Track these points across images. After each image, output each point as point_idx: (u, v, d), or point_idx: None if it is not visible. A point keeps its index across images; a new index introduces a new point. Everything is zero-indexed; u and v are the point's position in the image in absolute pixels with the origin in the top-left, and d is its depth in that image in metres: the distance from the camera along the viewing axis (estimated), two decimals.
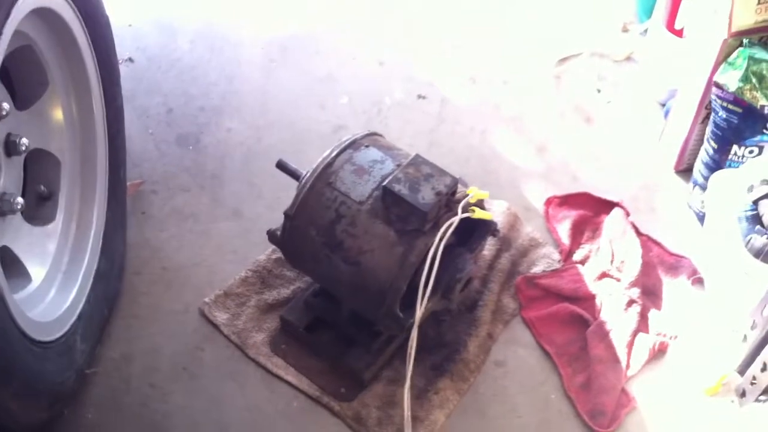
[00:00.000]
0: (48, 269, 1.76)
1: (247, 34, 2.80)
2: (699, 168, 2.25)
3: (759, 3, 2.07)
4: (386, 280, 1.65)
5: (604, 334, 1.95)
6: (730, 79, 2.07)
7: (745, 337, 1.83)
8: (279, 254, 2.01)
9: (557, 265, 2.14)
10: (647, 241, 2.19)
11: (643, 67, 2.71)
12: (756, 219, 1.88)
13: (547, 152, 2.48)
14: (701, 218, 2.22)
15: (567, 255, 2.16)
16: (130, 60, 2.65)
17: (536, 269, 2.12)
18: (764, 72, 2.04)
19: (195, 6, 2.90)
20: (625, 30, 2.89)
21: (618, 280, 2.08)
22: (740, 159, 2.13)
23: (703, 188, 2.18)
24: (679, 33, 2.45)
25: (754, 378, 1.79)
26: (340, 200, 1.69)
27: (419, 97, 2.63)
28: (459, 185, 1.72)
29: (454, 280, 1.72)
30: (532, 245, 2.18)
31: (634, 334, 1.97)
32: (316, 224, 1.71)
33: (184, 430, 1.79)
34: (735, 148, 2.13)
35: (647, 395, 1.89)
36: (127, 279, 2.03)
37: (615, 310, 2.01)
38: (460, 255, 1.75)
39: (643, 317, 2.02)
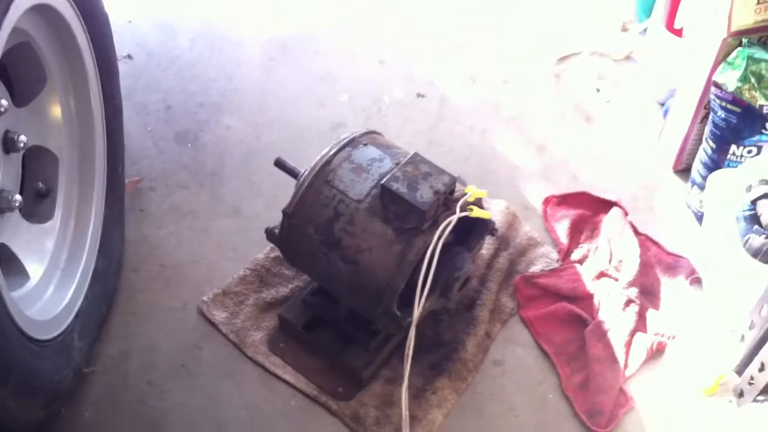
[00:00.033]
0: (46, 267, 1.76)
1: (247, 33, 2.80)
2: (697, 167, 2.25)
3: (758, 3, 2.06)
4: (384, 278, 1.65)
5: (602, 334, 1.95)
6: (729, 78, 2.07)
7: (743, 337, 1.83)
8: (277, 253, 2.01)
9: (555, 265, 2.14)
10: (645, 241, 2.19)
11: (643, 66, 2.70)
12: (754, 219, 1.87)
13: (547, 151, 2.47)
14: (699, 218, 2.22)
15: (565, 254, 2.16)
16: (129, 57, 2.65)
17: (534, 268, 2.12)
18: (763, 72, 2.03)
19: (195, 4, 2.90)
20: (624, 29, 2.88)
21: (616, 279, 2.08)
22: (739, 159, 2.13)
23: (702, 188, 2.18)
24: (678, 32, 2.44)
25: (751, 378, 1.79)
26: (339, 198, 1.69)
27: (419, 95, 2.63)
28: (457, 184, 1.72)
29: (453, 278, 1.72)
30: (531, 244, 2.18)
31: (632, 333, 1.97)
32: (314, 222, 1.71)
33: (181, 428, 1.79)
34: (733, 147, 2.13)
35: (645, 395, 1.89)
36: (125, 276, 2.03)
37: (613, 310, 2.01)
38: (458, 254, 1.75)
39: (641, 317, 2.02)
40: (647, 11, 2.68)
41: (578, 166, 2.42)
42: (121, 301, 1.99)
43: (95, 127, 1.89)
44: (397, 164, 1.71)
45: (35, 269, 1.73)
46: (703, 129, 2.24)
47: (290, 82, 2.64)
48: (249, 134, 2.45)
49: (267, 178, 2.27)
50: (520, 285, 2.08)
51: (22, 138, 1.61)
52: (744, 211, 1.89)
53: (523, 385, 1.91)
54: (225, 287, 2.01)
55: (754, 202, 1.89)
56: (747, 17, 2.07)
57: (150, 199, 2.24)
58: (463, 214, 1.69)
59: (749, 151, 2.11)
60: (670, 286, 2.11)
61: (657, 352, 1.97)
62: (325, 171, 1.72)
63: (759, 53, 2.04)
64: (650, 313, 2.03)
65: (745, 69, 2.04)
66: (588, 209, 2.26)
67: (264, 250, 2.09)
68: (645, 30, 2.71)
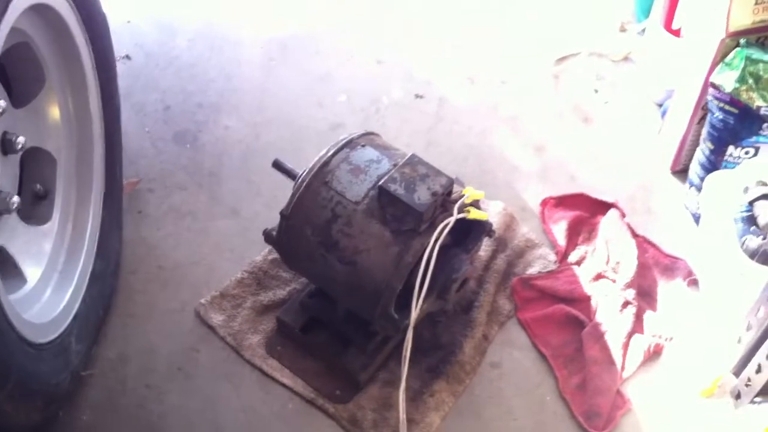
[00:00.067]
0: (44, 269, 1.75)
1: (247, 33, 2.79)
2: (695, 169, 2.25)
3: (756, 3, 2.06)
4: (382, 279, 1.65)
5: (599, 336, 1.96)
6: (727, 79, 2.07)
7: (740, 338, 1.84)
8: (275, 255, 2.01)
9: (553, 266, 2.14)
10: (643, 242, 2.19)
11: (641, 67, 2.71)
12: (751, 220, 1.88)
13: (545, 152, 2.48)
14: (697, 219, 2.22)
15: (563, 256, 2.16)
16: (128, 57, 2.64)
17: (532, 270, 2.12)
18: (761, 72, 2.03)
19: (195, 4, 2.89)
20: (622, 30, 2.88)
21: (613, 281, 2.08)
22: (736, 160, 2.13)
23: (699, 189, 2.18)
24: (676, 33, 2.45)
25: (749, 380, 1.80)
26: (336, 200, 1.69)
27: (417, 96, 2.62)
28: (455, 185, 1.72)
29: (450, 280, 1.72)
30: (528, 246, 2.18)
31: (630, 335, 1.97)
32: (312, 224, 1.71)
33: (179, 431, 1.79)
34: (731, 148, 2.13)
35: (642, 397, 1.89)
36: (123, 278, 2.03)
37: (610, 312, 2.01)
38: (455, 255, 1.75)
39: (639, 318, 2.02)
40: (646, 12, 2.68)
41: (576, 167, 2.42)
42: (119, 303, 1.99)
43: (93, 128, 1.88)
44: (394, 166, 1.71)
45: (33, 271, 1.73)
46: (701, 130, 2.24)
47: (289, 82, 2.64)
48: (248, 134, 2.45)
49: (266, 179, 2.26)
50: (517, 287, 2.08)
51: (21, 139, 1.61)
52: (741, 212, 1.89)
53: (521, 388, 1.91)
54: (222, 290, 2.01)
55: (751, 204, 1.89)
56: (745, 18, 2.07)
57: (148, 200, 2.23)
58: (461, 215, 1.69)
59: (747, 152, 2.11)
60: (667, 288, 2.11)
61: (654, 353, 1.97)
62: (323, 172, 1.72)
63: (757, 54, 2.04)
64: (648, 315, 2.04)
65: (743, 70, 2.04)
66: (585, 211, 2.26)
67: (262, 252, 2.09)
68: (643, 30, 2.71)
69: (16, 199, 1.61)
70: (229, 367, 1.89)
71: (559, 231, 2.20)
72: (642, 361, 1.94)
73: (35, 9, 1.59)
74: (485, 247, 2.10)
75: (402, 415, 1.67)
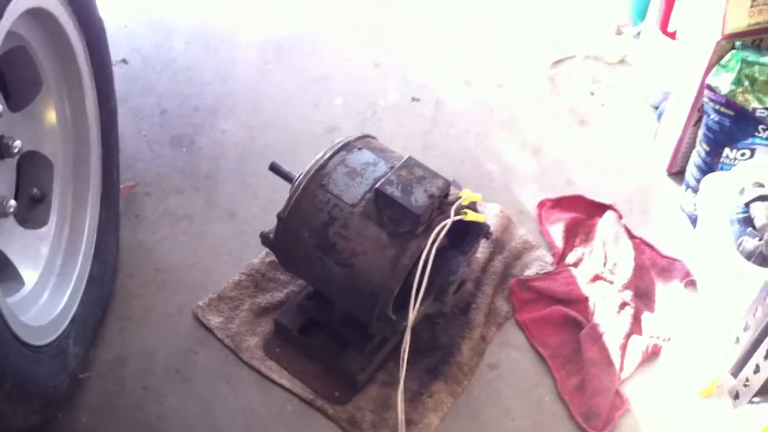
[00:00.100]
0: (41, 272, 1.75)
1: (243, 35, 2.80)
2: (691, 170, 2.25)
3: (752, 6, 2.07)
4: (379, 282, 1.65)
5: (597, 337, 1.96)
6: (723, 81, 2.08)
7: (738, 339, 1.84)
8: (273, 257, 2.01)
9: (550, 268, 2.14)
10: (640, 244, 2.20)
11: (637, 69, 2.71)
12: (748, 221, 1.88)
13: (541, 155, 2.48)
14: (694, 221, 2.22)
15: (560, 258, 2.16)
16: (124, 61, 2.65)
17: (529, 272, 2.13)
18: (756, 75, 2.04)
19: (190, 7, 2.90)
20: (618, 32, 2.89)
21: (611, 282, 2.08)
22: (732, 162, 2.13)
23: (696, 191, 2.18)
24: (672, 35, 2.45)
25: (747, 380, 1.80)
26: (333, 202, 1.69)
27: (413, 99, 2.63)
28: (452, 187, 1.72)
29: (447, 282, 1.73)
30: (526, 248, 2.18)
31: (628, 336, 1.97)
32: (309, 226, 1.71)
33: None
34: (727, 150, 2.13)
35: (641, 397, 1.90)
36: (120, 281, 2.03)
37: (608, 313, 2.01)
38: (452, 257, 1.75)
39: (636, 320, 2.02)
40: (641, 14, 2.69)
41: (573, 170, 2.43)
42: (117, 306, 1.99)
43: (90, 131, 1.88)
44: (391, 168, 1.72)
45: (30, 275, 1.73)
46: (697, 132, 2.25)
47: (285, 84, 2.64)
48: (244, 137, 2.45)
49: (262, 182, 2.27)
50: (515, 288, 2.08)
51: (17, 143, 1.61)
52: (738, 213, 1.90)
53: (519, 389, 1.91)
54: (220, 292, 2.01)
55: (747, 205, 1.90)
56: (740, 20, 2.08)
57: (145, 203, 2.23)
58: (458, 217, 1.69)
59: (743, 154, 2.12)
60: (664, 289, 2.12)
61: (652, 354, 1.97)
62: (319, 175, 1.72)
63: (752, 56, 2.05)
64: (645, 316, 2.04)
65: (739, 72, 2.04)
66: (582, 212, 2.26)
67: (259, 255, 2.09)
68: (639, 33, 2.72)
69: (13, 202, 1.62)
70: (227, 369, 1.89)
71: (557, 233, 2.20)
72: (640, 362, 1.94)
73: (32, 13, 1.59)
74: (482, 249, 2.10)
75: (401, 416, 1.67)
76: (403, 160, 1.73)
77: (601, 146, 2.51)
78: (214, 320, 1.95)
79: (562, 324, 2.01)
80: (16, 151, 1.61)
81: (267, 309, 1.98)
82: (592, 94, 2.69)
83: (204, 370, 1.89)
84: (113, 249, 2.02)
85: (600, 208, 2.27)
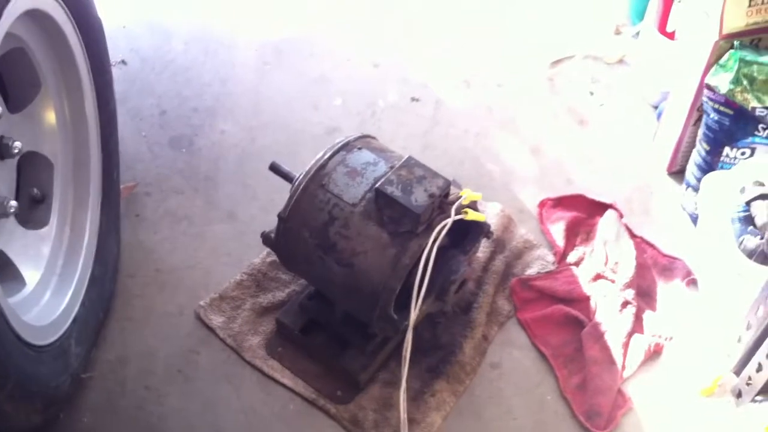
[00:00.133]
0: (42, 273, 1.75)
1: (242, 37, 2.80)
2: (692, 170, 2.26)
3: (750, 5, 2.07)
4: (379, 281, 1.64)
5: (599, 336, 1.96)
6: (722, 81, 2.08)
7: (740, 337, 1.84)
8: (274, 257, 2.01)
9: (551, 267, 2.14)
10: (641, 243, 2.20)
11: (636, 69, 2.71)
12: (749, 220, 1.88)
13: (541, 154, 2.48)
14: (694, 220, 2.22)
15: (561, 257, 2.16)
16: (123, 62, 2.65)
17: (530, 271, 2.13)
18: (755, 74, 2.04)
19: (189, 8, 2.90)
20: (617, 32, 2.89)
21: (612, 281, 2.08)
22: (732, 160, 2.14)
23: (696, 190, 2.18)
24: (670, 35, 2.45)
25: (749, 378, 1.80)
26: (333, 202, 1.69)
27: (413, 99, 2.63)
28: (452, 187, 1.72)
29: (448, 281, 1.72)
30: (527, 247, 2.18)
31: (630, 335, 1.97)
32: (309, 226, 1.71)
33: None
34: (727, 149, 2.14)
35: (643, 396, 1.90)
36: (121, 281, 2.03)
37: (610, 312, 2.01)
38: (453, 257, 1.75)
39: (638, 318, 2.02)
40: (640, 14, 2.69)
41: (573, 169, 2.43)
42: (118, 306, 1.98)
43: (90, 132, 1.88)
44: (391, 168, 1.72)
45: (31, 275, 1.73)
46: (697, 131, 2.25)
47: (285, 86, 2.64)
48: (243, 138, 2.45)
49: (262, 182, 2.27)
50: (516, 287, 2.08)
51: (17, 144, 1.61)
52: (738, 212, 1.90)
53: (521, 388, 1.91)
54: (222, 292, 2.01)
55: (748, 204, 1.90)
56: (739, 20, 2.08)
57: (145, 204, 2.23)
58: (458, 217, 1.69)
59: (743, 153, 2.12)
60: (666, 288, 2.12)
61: (654, 353, 1.97)
62: (319, 175, 1.72)
63: (751, 56, 2.05)
64: (647, 315, 2.04)
65: (737, 71, 2.05)
66: (583, 212, 2.26)
67: (261, 255, 2.09)
68: (638, 33, 2.72)
69: (13, 203, 1.62)
70: (229, 369, 1.89)
71: (558, 232, 2.20)
72: (642, 361, 1.94)
73: (30, 14, 1.59)
74: (483, 248, 2.10)
75: (403, 415, 1.67)
76: (403, 160, 1.73)
77: (601, 146, 2.51)
78: (216, 320, 1.95)
79: (563, 323, 2.01)
80: (16, 151, 1.61)
81: (269, 308, 1.98)
82: (592, 94, 2.69)
83: (206, 369, 1.89)
84: (114, 249, 2.02)
85: (601, 207, 2.27)
